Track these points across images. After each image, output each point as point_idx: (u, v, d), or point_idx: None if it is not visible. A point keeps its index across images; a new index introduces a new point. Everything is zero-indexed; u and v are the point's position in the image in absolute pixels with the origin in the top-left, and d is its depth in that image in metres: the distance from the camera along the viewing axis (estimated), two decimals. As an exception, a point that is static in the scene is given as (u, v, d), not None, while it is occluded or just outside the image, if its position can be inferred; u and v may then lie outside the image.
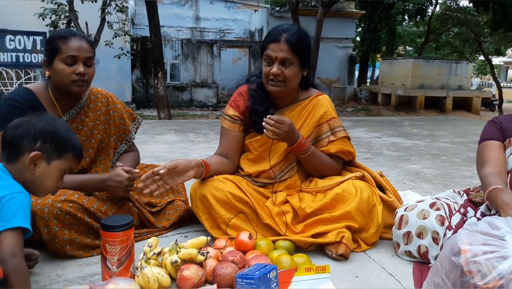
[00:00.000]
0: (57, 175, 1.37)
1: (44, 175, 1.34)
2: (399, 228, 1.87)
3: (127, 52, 10.75)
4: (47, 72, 1.89)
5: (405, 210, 1.91)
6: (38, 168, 1.33)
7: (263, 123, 1.90)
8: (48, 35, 6.66)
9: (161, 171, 1.80)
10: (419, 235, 1.79)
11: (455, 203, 1.89)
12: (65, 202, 1.74)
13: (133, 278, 1.50)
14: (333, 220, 1.89)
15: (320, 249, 1.88)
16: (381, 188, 2.12)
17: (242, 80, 2.25)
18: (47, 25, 8.80)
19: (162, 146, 4.76)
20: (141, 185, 1.80)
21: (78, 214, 1.76)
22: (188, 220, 2.17)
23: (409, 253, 1.83)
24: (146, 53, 13.33)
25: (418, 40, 23.70)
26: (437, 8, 19.80)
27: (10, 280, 1.16)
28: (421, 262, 1.79)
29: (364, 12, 16.86)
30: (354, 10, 16.19)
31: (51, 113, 1.92)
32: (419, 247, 1.78)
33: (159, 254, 1.58)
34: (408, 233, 1.83)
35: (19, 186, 1.31)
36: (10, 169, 1.32)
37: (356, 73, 19.03)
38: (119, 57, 9.95)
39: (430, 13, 19.23)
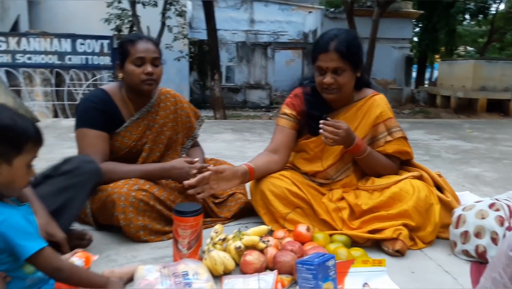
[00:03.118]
0: (24, 171, 1.23)
1: (11, 177, 1.20)
2: (457, 227, 1.88)
3: (186, 55, 11.14)
4: (120, 74, 2.06)
5: (463, 210, 1.91)
6: (1, 174, 1.18)
7: (321, 130, 1.92)
8: (113, 39, 7.14)
9: (207, 173, 1.82)
10: (477, 235, 1.79)
11: (516, 204, 1.87)
12: (139, 190, 1.89)
13: (201, 260, 1.62)
14: (390, 218, 1.90)
15: (376, 245, 1.91)
16: (439, 188, 2.11)
17: (296, 84, 2.28)
18: (112, 29, 9.36)
19: (221, 144, 4.95)
20: (192, 191, 1.83)
21: (150, 201, 1.91)
22: (247, 212, 2.28)
23: (466, 252, 1.83)
24: (203, 56, 13.75)
25: (480, 40, 22.67)
26: (502, 6, 18.86)
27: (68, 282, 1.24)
28: (479, 262, 1.78)
29: (422, 11, 16.35)
30: (411, 10, 15.76)
31: (124, 112, 2.10)
32: (476, 246, 1.78)
33: (224, 240, 1.70)
34: (466, 232, 1.83)
35: None
36: None
37: (414, 74, 18.47)
38: (178, 60, 10.35)
39: (493, 12, 18.34)
